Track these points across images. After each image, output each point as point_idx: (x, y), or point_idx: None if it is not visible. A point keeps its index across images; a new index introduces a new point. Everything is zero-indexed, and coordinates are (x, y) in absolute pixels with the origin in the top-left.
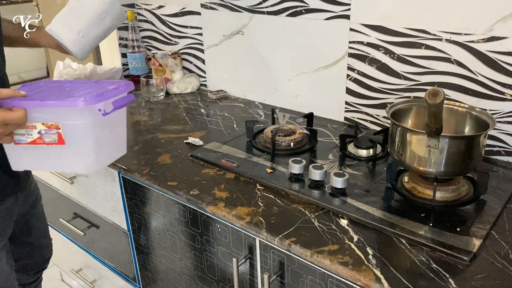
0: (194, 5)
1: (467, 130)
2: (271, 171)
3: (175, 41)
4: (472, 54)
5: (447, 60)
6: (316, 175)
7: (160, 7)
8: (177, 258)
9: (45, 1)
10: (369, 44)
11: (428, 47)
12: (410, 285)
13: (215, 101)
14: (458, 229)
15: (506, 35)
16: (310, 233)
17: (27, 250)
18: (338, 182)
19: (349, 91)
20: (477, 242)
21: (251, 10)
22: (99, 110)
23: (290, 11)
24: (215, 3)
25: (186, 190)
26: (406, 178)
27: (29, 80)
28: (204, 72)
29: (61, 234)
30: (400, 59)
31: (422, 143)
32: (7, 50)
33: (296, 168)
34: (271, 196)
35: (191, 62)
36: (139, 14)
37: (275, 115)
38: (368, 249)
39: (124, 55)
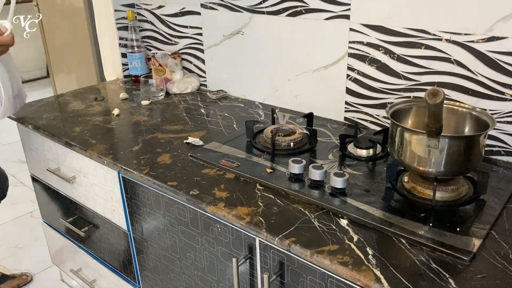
0: (194, 5)
1: (467, 130)
2: (271, 171)
3: (175, 41)
4: (472, 54)
5: (447, 60)
6: (316, 175)
7: (160, 7)
8: (177, 258)
9: (45, 1)
10: (369, 44)
11: (428, 47)
12: (410, 285)
13: (215, 101)
14: (458, 229)
15: (506, 35)
16: (310, 233)
17: None
18: (338, 182)
19: (349, 91)
20: (477, 242)
21: (251, 10)
22: None
23: (290, 11)
24: (215, 3)
25: (186, 190)
26: (406, 178)
27: (29, 80)
28: (204, 72)
29: (61, 234)
30: (400, 59)
31: (422, 143)
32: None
33: (296, 168)
34: (271, 196)
35: (191, 62)
36: (139, 14)
37: (275, 115)
38: (368, 249)
39: (124, 55)
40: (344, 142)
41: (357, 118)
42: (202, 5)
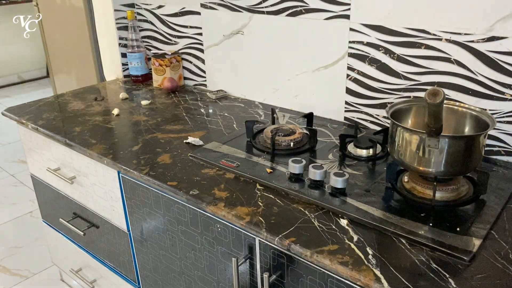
0: (194, 5)
1: (467, 130)
2: (271, 171)
3: (175, 41)
4: (472, 54)
5: (447, 60)
6: (316, 175)
7: (160, 7)
8: (177, 258)
9: (45, 1)
10: (369, 44)
11: (428, 47)
12: (410, 285)
13: (215, 101)
14: (458, 229)
15: (506, 35)
16: (310, 233)
17: None
18: (338, 182)
19: (349, 91)
20: (477, 242)
21: (251, 10)
22: None
23: (290, 11)
24: (215, 3)
25: (185, 190)
26: (406, 178)
27: (29, 80)
28: (204, 72)
29: (61, 234)
30: (400, 59)
31: (422, 143)
32: (4, 50)
33: (296, 168)
34: (271, 196)
35: (191, 62)
36: (139, 14)
37: (275, 115)
38: (368, 249)
39: (124, 55)
40: (344, 142)
41: (357, 118)
42: (202, 5)
